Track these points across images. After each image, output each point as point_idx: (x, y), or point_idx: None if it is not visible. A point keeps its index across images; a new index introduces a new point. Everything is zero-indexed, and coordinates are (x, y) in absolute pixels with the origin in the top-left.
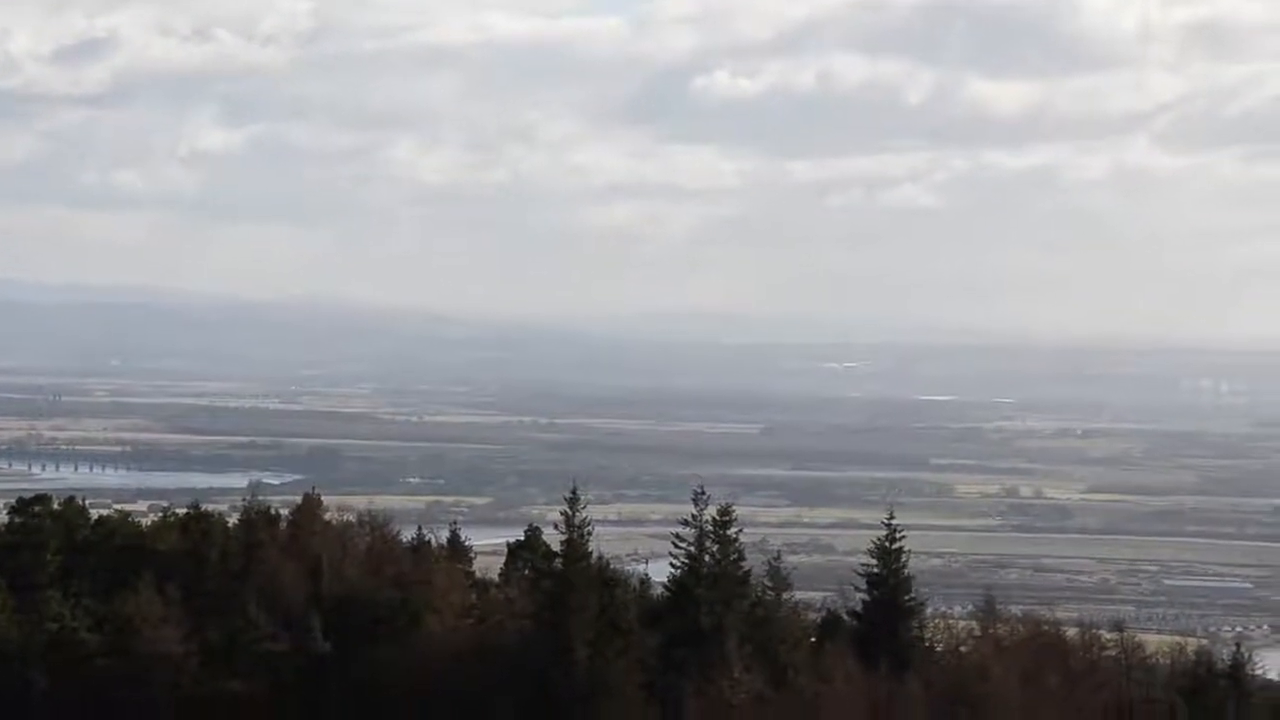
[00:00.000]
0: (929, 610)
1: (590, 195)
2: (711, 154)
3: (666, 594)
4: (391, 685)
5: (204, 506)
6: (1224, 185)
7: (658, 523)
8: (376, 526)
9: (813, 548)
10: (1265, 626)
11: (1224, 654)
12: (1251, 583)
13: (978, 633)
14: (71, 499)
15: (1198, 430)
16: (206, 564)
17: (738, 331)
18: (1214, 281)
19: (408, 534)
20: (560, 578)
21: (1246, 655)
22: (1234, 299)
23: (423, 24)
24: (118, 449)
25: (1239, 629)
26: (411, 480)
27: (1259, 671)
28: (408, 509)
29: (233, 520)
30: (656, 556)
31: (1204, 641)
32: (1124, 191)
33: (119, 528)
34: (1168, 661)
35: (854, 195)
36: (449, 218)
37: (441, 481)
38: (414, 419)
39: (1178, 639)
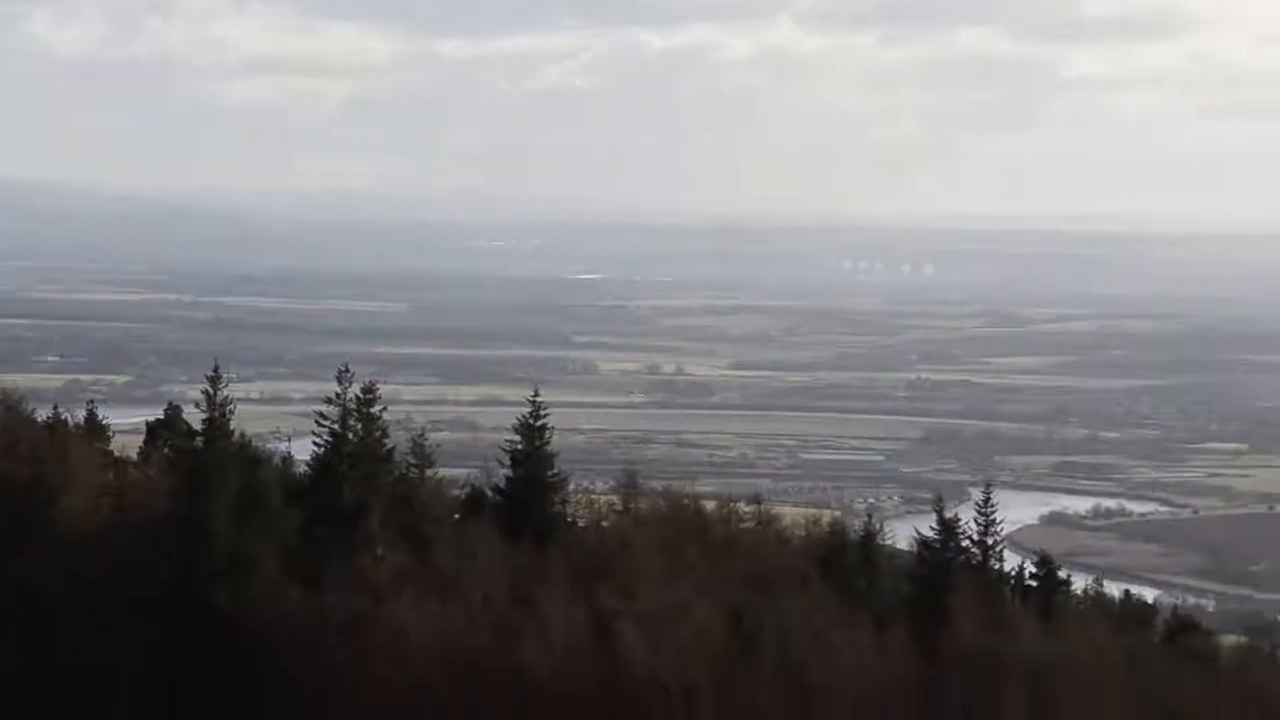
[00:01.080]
0: (572, 486)
1: (234, 70)
2: (359, 30)
3: (309, 472)
4: (22, 565)
5: None
6: (864, 66)
7: (301, 401)
8: (10, 405)
9: (458, 425)
10: (896, 498)
11: (856, 525)
12: (884, 455)
13: (619, 507)
14: None
15: (837, 307)
16: None
17: (389, 210)
18: (855, 161)
19: (44, 413)
20: (200, 456)
21: (878, 526)
22: (874, 178)
23: None
24: None
25: (871, 500)
26: (49, 359)
27: (889, 541)
28: (45, 388)
29: None
30: (300, 435)
31: (838, 513)
32: (769, 72)
33: None
34: (803, 533)
35: (505, 74)
36: (87, 91)
37: (81, 360)
38: (56, 296)
39: (813, 511)
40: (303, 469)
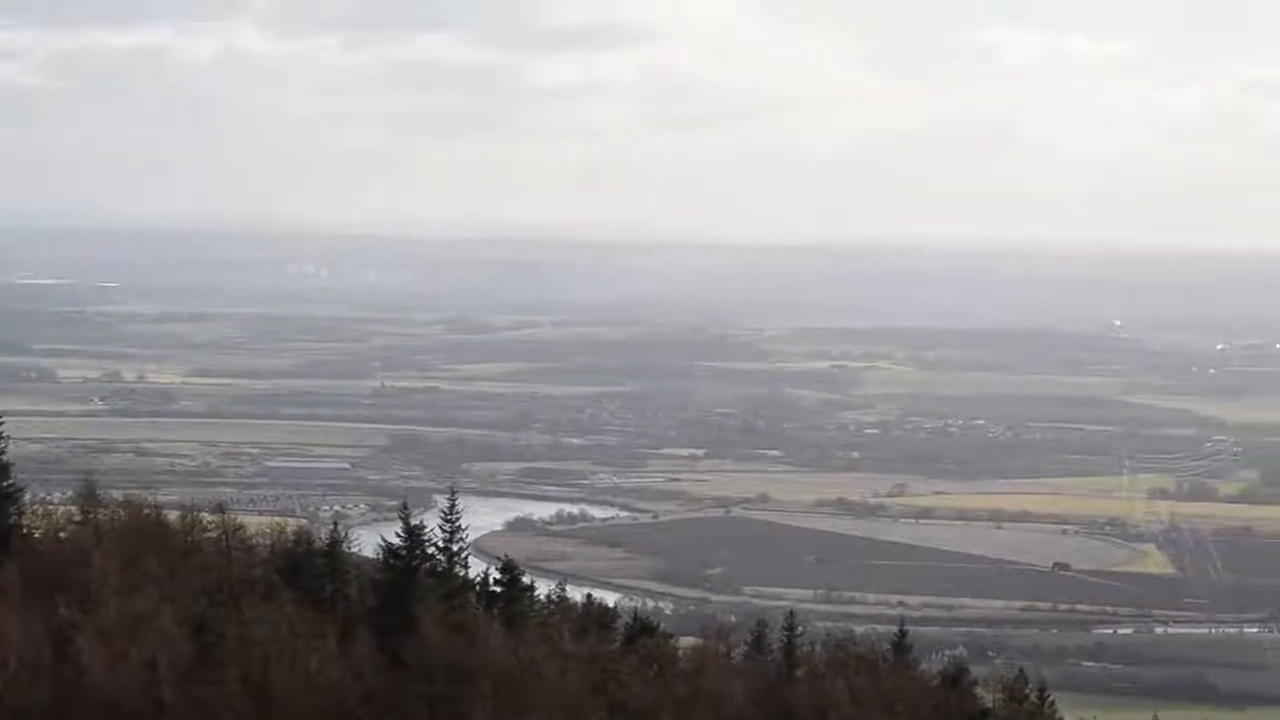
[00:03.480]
0: (28, 497)
1: None
2: None
3: None
4: None
5: None
6: (327, 71)
7: None
8: None
9: None
10: (363, 505)
11: (322, 533)
12: (350, 463)
13: (78, 518)
14: None
15: (301, 314)
16: None
17: None
18: (319, 166)
19: None
20: None
21: (344, 534)
22: (339, 184)
23: None
24: None
25: (338, 508)
26: None
27: (355, 549)
28: None
29: None
30: None
31: (304, 521)
32: (231, 75)
33: None
34: (268, 542)
35: None
36: None
37: None
38: None
39: (279, 519)
40: None
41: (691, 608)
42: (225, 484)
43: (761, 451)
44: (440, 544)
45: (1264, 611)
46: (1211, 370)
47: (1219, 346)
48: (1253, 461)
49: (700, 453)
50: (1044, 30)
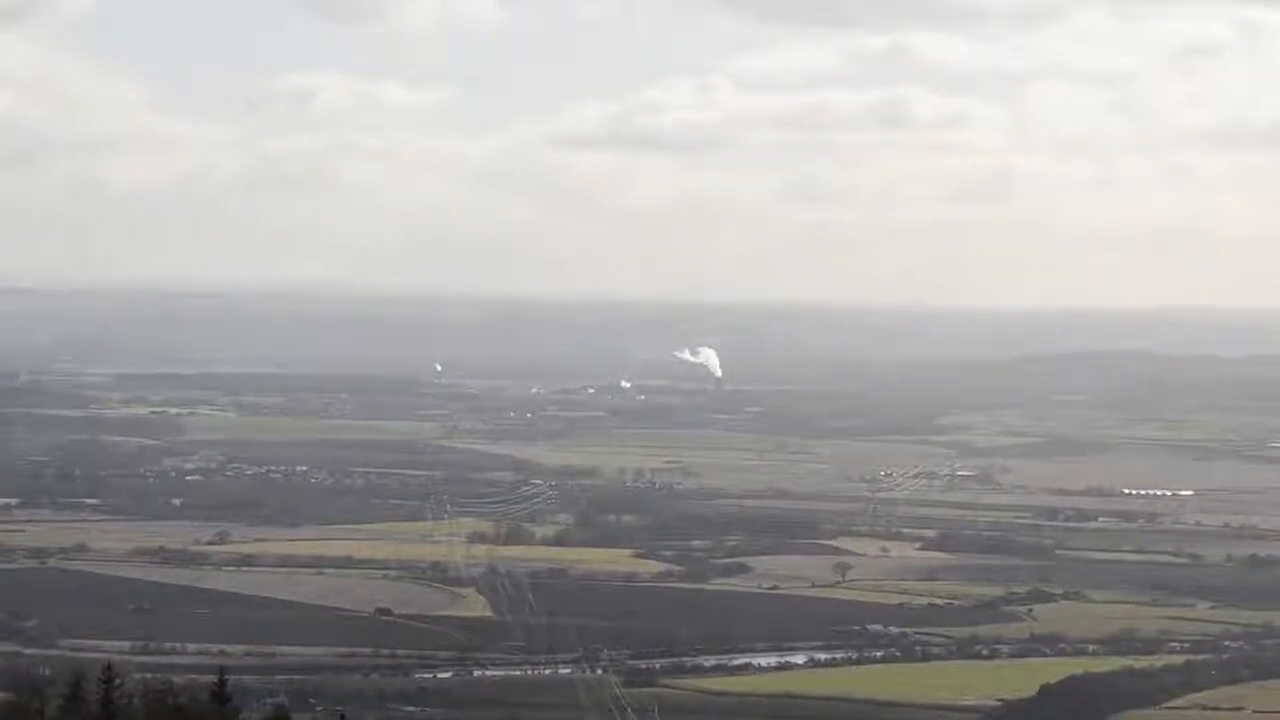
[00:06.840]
0: None
1: None
2: None
3: None
4: None
5: None
6: None
7: None
8: None
9: None
10: None
11: None
12: None
13: None
14: None
15: None
16: None
17: None
18: None
19: None
20: None
21: None
22: None
23: None
24: None
25: None
26: None
27: None
28: None
29: None
30: None
31: None
32: None
33: None
34: None
35: None
36: None
37: None
38: None
39: None
40: None
41: (2, 663)
42: None
43: (79, 500)
44: None
45: (576, 652)
46: (528, 414)
47: (533, 390)
48: (567, 504)
49: (14, 502)
50: (360, 76)
